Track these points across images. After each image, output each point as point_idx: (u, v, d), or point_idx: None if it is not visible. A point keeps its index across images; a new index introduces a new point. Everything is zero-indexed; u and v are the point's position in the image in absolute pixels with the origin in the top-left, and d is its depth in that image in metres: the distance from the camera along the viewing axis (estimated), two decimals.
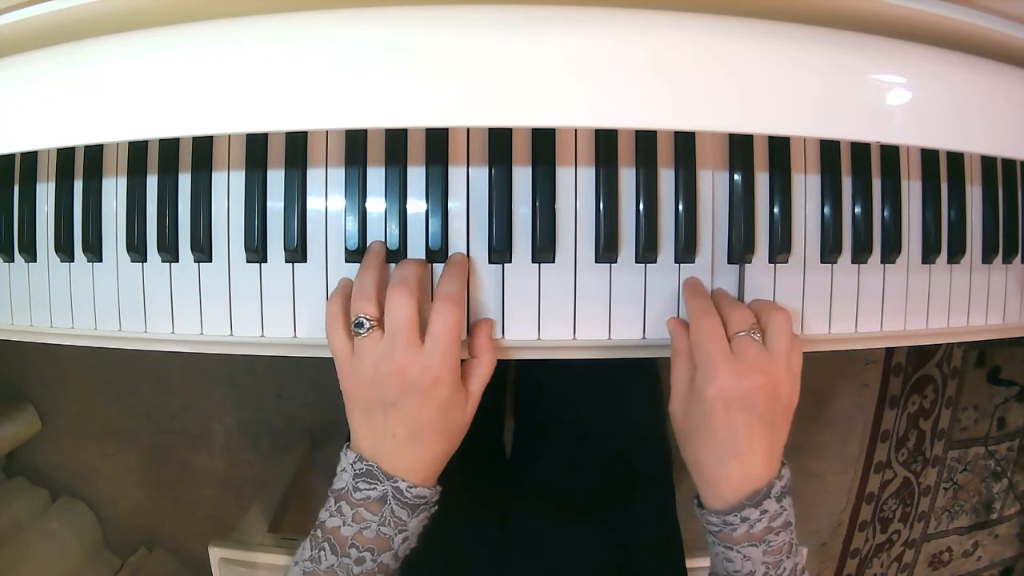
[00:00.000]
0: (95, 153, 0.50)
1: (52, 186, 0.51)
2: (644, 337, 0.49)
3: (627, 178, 0.48)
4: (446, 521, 0.64)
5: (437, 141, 0.48)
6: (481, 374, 0.46)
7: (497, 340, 0.49)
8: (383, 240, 0.48)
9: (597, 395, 0.71)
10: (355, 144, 0.48)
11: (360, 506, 0.42)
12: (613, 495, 0.66)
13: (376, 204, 0.48)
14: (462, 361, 0.45)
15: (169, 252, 0.49)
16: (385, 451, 0.43)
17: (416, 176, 0.48)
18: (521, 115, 0.39)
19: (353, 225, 0.48)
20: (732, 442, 0.43)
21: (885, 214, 0.51)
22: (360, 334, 0.43)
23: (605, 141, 0.48)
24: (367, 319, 0.42)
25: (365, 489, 0.43)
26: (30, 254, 0.52)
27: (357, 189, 0.48)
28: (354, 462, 0.43)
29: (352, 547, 0.42)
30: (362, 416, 0.44)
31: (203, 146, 0.49)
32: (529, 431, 0.79)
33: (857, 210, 0.51)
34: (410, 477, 0.43)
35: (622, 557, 0.62)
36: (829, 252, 0.50)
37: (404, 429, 0.42)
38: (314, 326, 0.49)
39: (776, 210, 0.50)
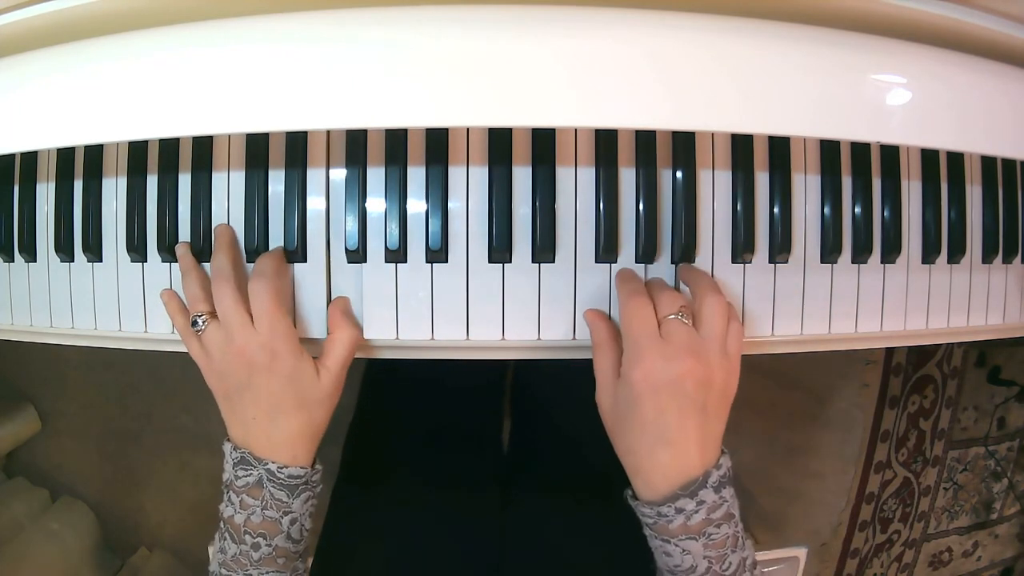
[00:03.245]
0: (95, 153, 0.50)
1: (52, 186, 0.51)
2: None
3: (627, 178, 0.48)
4: (446, 520, 0.64)
5: (437, 141, 0.48)
6: (337, 349, 0.46)
7: (497, 339, 0.49)
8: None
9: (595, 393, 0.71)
10: (355, 144, 0.48)
11: (243, 492, 0.44)
12: (609, 490, 0.66)
13: (376, 204, 0.48)
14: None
15: (169, 252, 0.49)
16: (252, 435, 0.45)
17: (416, 176, 0.48)
18: (520, 115, 0.39)
19: (353, 225, 0.48)
20: (662, 429, 0.41)
21: (885, 214, 0.51)
22: (200, 330, 0.45)
23: (605, 141, 0.48)
24: (200, 316, 0.45)
25: (244, 476, 0.44)
26: (30, 254, 0.52)
27: (357, 189, 0.48)
28: (231, 452, 0.45)
29: (246, 533, 0.44)
30: (227, 407, 0.46)
31: (203, 146, 0.49)
32: (527, 430, 0.79)
33: (857, 210, 0.51)
34: (280, 457, 0.44)
35: (618, 550, 0.61)
36: (829, 252, 0.50)
37: (261, 408, 0.44)
38: (314, 326, 0.49)
39: (776, 210, 0.50)
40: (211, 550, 0.47)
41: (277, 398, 0.44)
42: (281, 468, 0.44)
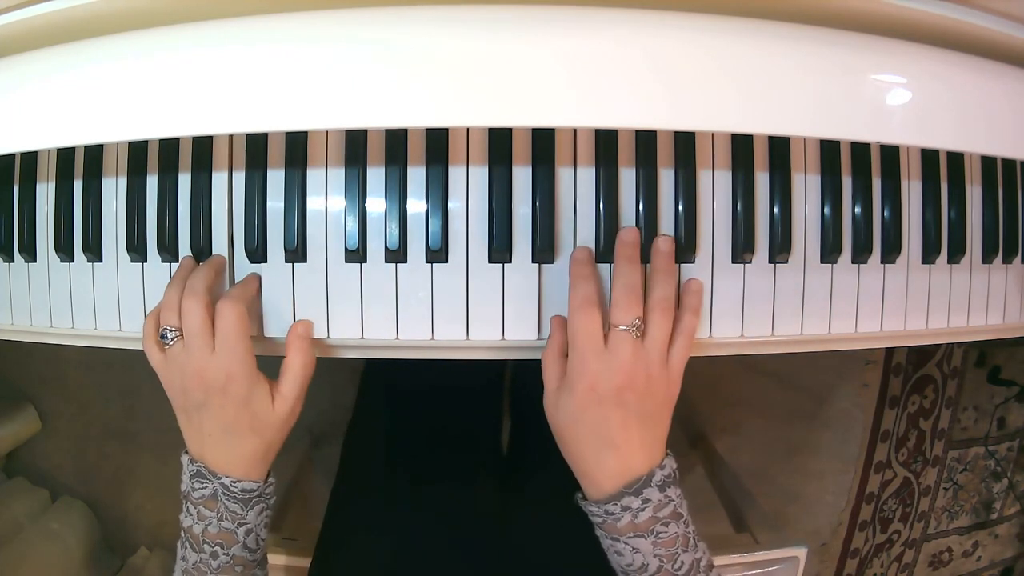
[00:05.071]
0: (95, 153, 0.50)
1: (52, 186, 0.51)
2: None
3: (627, 178, 0.48)
4: (445, 520, 0.64)
5: (437, 141, 0.48)
6: (291, 374, 0.47)
7: (497, 339, 0.49)
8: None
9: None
10: (355, 144, 0.48)
11: (200, 504, 0.46)
12: None
13: (376, 204, 0.48)
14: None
15: (169, 252, 0.49)
16: (207, 450, 0.46)
17: (416, 176, 0.48)
18: (520, 115, 0.39)
19: (353, 225, 0.48)
20: (606, 435, 0.43)
21: (885, 214, 0.51)
22: (167, 344, 0.45)
23: (605, 141, 0.48)
24: (170, 330, 0.45)
25: (200, 488, 0.46)
26: (30, 254, 0.52)
27: (357, 189, 0.48)
28: (188, 464, 0.46)
29: (205, 543, 0.45)
30: (184, 420, 0.46)
31: (203, 146, 0.49)
32: (525, 431, 0.79)
33: (857, 210, 0.51)
34: (233, 472, 0.45)
35: None
36: (829, 252, 0.50)
37: (216, 427, 0.45)
38: (314, 326, 0.49)
39: (776, 210, 0.50)
40: (177, 555, 0.48)
41: (231, 421, 0.45)
42: (235, 483, 0.45)
